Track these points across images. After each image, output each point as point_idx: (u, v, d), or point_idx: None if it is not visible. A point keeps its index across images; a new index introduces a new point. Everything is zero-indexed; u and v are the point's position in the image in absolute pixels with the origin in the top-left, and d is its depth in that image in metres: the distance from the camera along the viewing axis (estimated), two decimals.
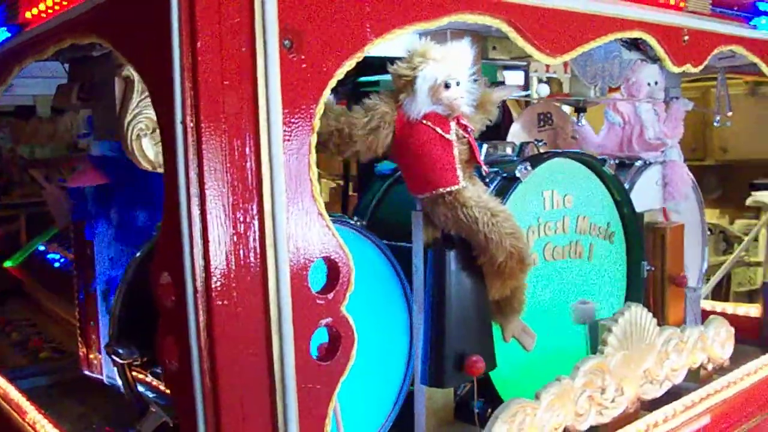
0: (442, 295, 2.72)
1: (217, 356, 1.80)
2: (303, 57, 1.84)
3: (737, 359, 3.85)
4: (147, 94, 2.49)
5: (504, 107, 4.54)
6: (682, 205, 4.42)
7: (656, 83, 4.17)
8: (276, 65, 1.79)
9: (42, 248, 6.28)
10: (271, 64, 1.78)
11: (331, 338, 2.02)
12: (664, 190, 4.36)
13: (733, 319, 4.57)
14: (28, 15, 2.59)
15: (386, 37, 2.00)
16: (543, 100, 3.85)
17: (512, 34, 2.34)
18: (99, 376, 3.80)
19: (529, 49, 2.39)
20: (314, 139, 1.88)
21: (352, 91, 3.55)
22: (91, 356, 3.88)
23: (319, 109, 1.87)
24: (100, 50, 2.51)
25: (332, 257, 1.97)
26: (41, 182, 6.54)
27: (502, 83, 3.88)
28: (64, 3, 2.32)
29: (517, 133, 4.44)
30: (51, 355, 4.77)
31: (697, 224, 4.81)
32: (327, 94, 1.89)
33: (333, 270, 1.99)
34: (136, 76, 2.50)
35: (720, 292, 9.46)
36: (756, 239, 10.10)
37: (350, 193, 5.04)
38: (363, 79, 3.47)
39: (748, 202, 9.50)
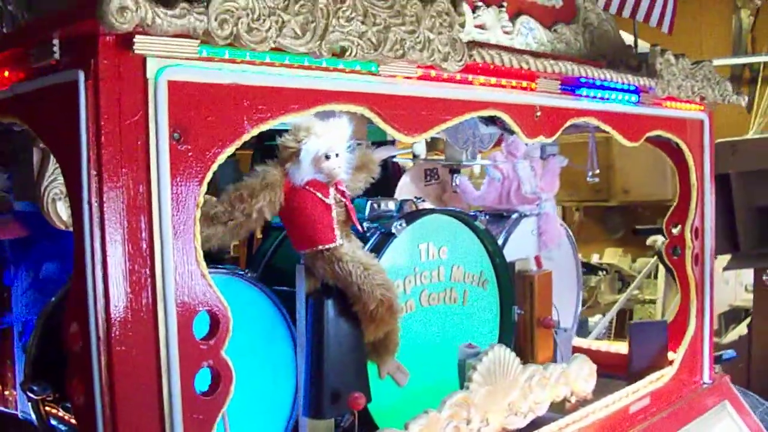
0: (321, 338, 3.10)
1: (116, 392, 2.16)
2: (189, 147, 2.23)
3: (604, 392, 4.20)
4: None
5: (393, 164, 4.96)
6: (556, 252, 4.86)
7: (535, 142, 4.60)
8: (166, 154, 2.17)
9: None
10: (162, 154, 2.17)
11: (212, 377, 2.38)
12: (539, 240, 4.79)
13: (605, 356, 5.05)
14: None
15: (261, 127, 2.40)
16: (418, 161, 4.28)
17: (374, 118, 2.75)
18: (14, 412, 3.99)
19: (389, 130, 2.79)
20: (198, 213, 2.26)
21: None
22: (6, 393, 4.08)
23: (203, 190, 2.26)
24: (19, 126, 2.86)
25: (213, 310, 2.35)
26: None
27: (392, 142, 4.33)
28: None
29: (405, 187, 4.85)
30: None
31: (572, 270, 5.24)
32: (209, 176, 2.28)
33: (214, 320, 2.36)
34: None
35: (622, 328, 9.95)
36: (650, 276, 10.64)
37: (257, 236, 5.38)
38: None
39: (649, 242, 10.02)
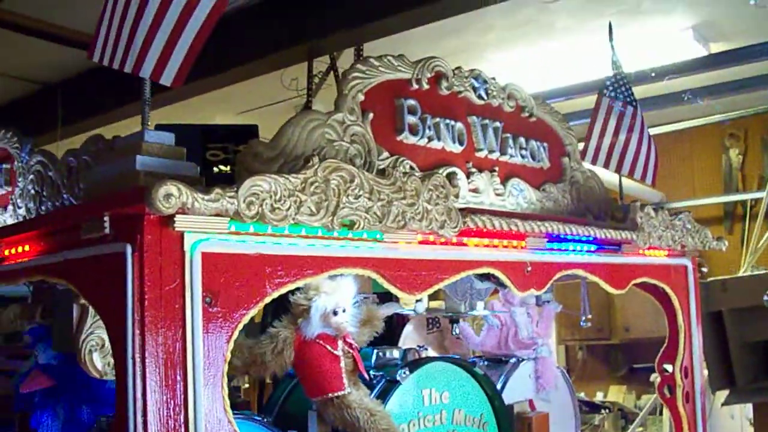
0: None
1: None
2: (219, 309, 2.57)
3: None
4: (98, 317, 3.18)
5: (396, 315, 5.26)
6: (552, 393, 5.11)
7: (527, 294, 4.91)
8: (200, 316, 2.51)
9: None
10: (196, 315, 2.51)
11: None
12: (536, 382, 5.06)
13: None
14: (6, 253, 3.28)
15: (281, 290, 2.75)
16: (419, 315, 4.60)
17: (379, 279, 3.09)
18: None
19: (392, 289, 3.13)
20: (226, 367, 2.59)
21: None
22: None
23: (230, 346, 2.59)
24: (62, 285, 3.21)
25: None
26: None
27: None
28: (40, 251, 3.04)
29: (409, 335, 5.15)
30: None
31: (570, 409, 5.45)
32: (237, 334, 2.61)
33: None
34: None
35: None
36: (654, 413, 10.71)
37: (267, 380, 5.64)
38: None
39: (652, 378, 10.14)
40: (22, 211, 3.81)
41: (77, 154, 3.42)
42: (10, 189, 3.97)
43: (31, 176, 3.75)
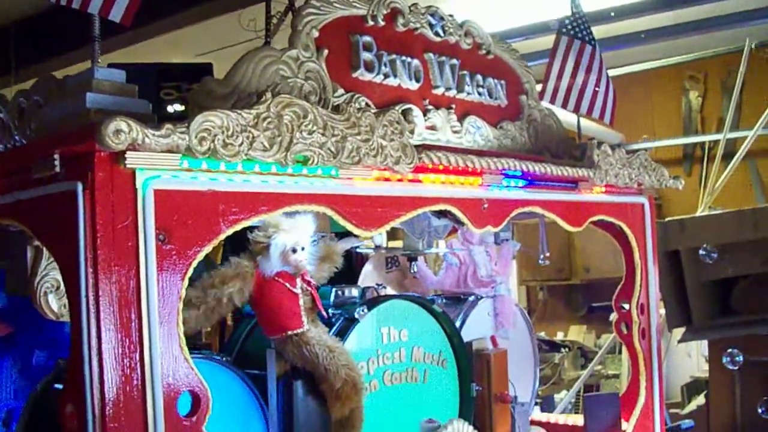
0: (291, 416, 3.38)
1: None
2: (173, 246, 2.56)
3: None
4: (52, 259, 3.16)
5: (356, 252, 5.26)
6: (511, 331, 5.15)
7: (484, 231, 4.91)
8: (153, 253, 2.50)
9: None
10: (150, 253, 2.49)
11: None
12: (494, 320, 5.10)
13: (563, 429, 5.30)
14: None
15: (236, 227, 2.73)
16: (379, 250, 4.61)
17: (334, 216, 3.08)
18: None
19: (347, 226, 3.13)
20: (181, 305, 2.58)
21: None
22: None
23: (185, 284, 2.58)
24: (15, 227, 3.17)
25: (195, 390, 2.64)
26: None
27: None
28: None
29: (368, 274, 5.15)
30: None
31: (529, 347, 5.50)
32: (191, 272, 2.60)
33: (195, 399, 2.65)
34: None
35: None
36: (614, 352, 10.87)
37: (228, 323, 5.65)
38: None
39: (611, 318, 10.26)
40: None
41: (28, 94, 3.35)
42: None
43: None
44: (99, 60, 2.79)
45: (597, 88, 5.04)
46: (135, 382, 2.49)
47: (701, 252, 7.12)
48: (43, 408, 3.61)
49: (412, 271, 4.91)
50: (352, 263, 5.10)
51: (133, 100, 2.74)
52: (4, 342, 4.07)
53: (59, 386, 3.56)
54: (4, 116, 3.51)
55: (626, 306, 5.19)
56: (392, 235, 5.23)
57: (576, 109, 4.96)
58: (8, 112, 3.48)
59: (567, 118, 5.00)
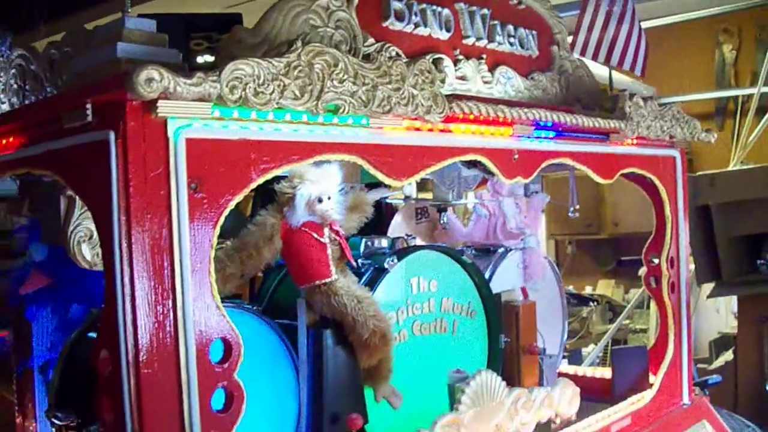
0: (321, 365, 3.39)
1: (143, 410, 2.47)
2: (204, 195, 2.56)
3: (588, 414, 4.45)
4: (86, 209, 3.19)
5: (386, 204, 5.28)
6: (540, 283, 5.15)
7: (514, 182, 4.89)
8: (185, 202, 2.51)
9: None
10: (182, 201, 2.50)
11: (227, 396, 2.70)
12: (523, 273, 5.10)
13: (591, 381, 5.31)
14: None
15: (266, 176, 2.74)
16: (409, 201, 4.60)
17: (365, 165, 3.08)
18: None
19: (379, 175, 3.12)
20: (213, 253, 2.60)
21: None
22: (27, 424, 4.36)
23: (216, 231, 2.59)
24: (48, 177, 3.20)
25: (226, 337, 2.67)
26: None
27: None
28: (25, 143, 3.02)
29: (397, 225, 5.17)
30: None
31: (557, 299, 5.52)
32: (222, 220, 2.62)
33: (227, 347, 2.68)
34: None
35: None
36: (642, 306, 10.86)
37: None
38: None
39: (640, 272, 10.23)
40: (5, 106, 3.77)
41: (59, 46, 3.37)
42: None
43: (13, 71, 3.70)
44: (129, 10, 2.80)
45: (628, 40, 4.98)
46: (168, 328, 2.52)
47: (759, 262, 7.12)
48: (77, 356, 3.68)
49: (441, 221, 4.91)
50: (382, 215, 5.12)
51: (163, 50, 2.74)
52: (43, 293, 4.13)
53: (93, 335, 3.64)
54: (36, 68, 3.53)
55: (656, 260, 5.17)
56: (421, 186, 5.23)
57: (607, 61, 4.91)
58: (39, 63, 3.50)
59: (598, 70, 4.94)
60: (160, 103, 2.43)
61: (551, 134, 4.04)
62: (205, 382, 2.60)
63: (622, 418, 4.68)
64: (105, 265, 2.53)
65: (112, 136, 2.44)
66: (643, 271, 5.28)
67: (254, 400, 2.82)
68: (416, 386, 3.99)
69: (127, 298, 2.45)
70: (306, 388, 3.46)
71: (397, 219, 5.20)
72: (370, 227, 3.89)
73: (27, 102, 3.63)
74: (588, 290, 12.00)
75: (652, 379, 5.08)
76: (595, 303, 10.65)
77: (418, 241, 4.75)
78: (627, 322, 10.79)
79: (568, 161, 4.21)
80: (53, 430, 3.79)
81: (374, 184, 4.40)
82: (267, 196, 3.47)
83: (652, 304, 9.98)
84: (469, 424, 3.73)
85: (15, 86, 3.69)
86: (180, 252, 2.52)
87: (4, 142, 3.14)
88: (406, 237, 4.38)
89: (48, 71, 3.47)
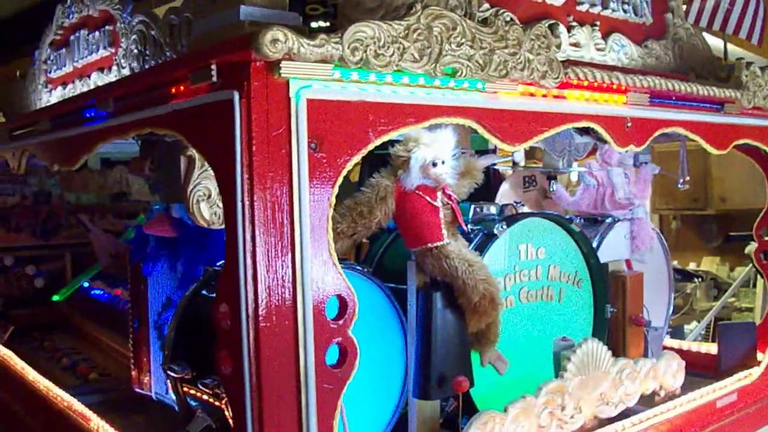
0: (430, 327, 3.43)
1: (261, 363, 2.56)
2: (324, 155, 2.62)
3: (693, 389, 4.41)
4: (205, 168, 3.28)
5: (494, 171, 5.28)
6: (647, 255, 5.08)
7: (627, 151, 4.84)
8: (305, 161, 2.57)
9: (86, 284, 6.91)
10: (302, 160, 2.57)
11: (341, 352, 2.77)
12: (631, 243, 5.04)
13: (696, 356, 5.24)
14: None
15: (384, 137, 2.78)
16: (518, 169, 4.59)
17: (480, 130, 3.09)
18: (148, 393, 4.45)
19: (493, 140, 3.13)
20: (331, 211, 2.65)
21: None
22: (142, 377, 4.53)
23: (335, 190, 2.65)
24: (170, 137, 3.31)
25: (342, 295, 2.74)
26: (89, 226, 7.23)
27: (494, 150, 4.65)
28: (149, 103, 3.12)
29: (505, 193, 5.17)
30: (99, 377, 5.28)
31: (664, 272, 5.44)
32: (341, 180, 2.67)
33: (342, 304, 2.75)
34: (196, 155, 3.28)
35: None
36: (748, 285, 10.59)
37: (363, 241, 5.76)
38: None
39: (747, 250, 9.97)
40: (126, 71, 3.89)
41: (178, 11, 3.46)
42: (113, 50, 4.05)
43: (134, 36, 3.81)
44: None
45: (745, 8, 4.85)
46: (286, 284, 2.59)
47: None
48: (193, 312, 3.80)
49: (551, 189, 4.89)
50: (489, 182, 5.12)
51: (283, 13, 2.78)
52: (160, 248, 4.27)
53: (207, 293, 3.75)
54: (156, 33, 3.63)
55: (767, 235, 5.05)
56: (530, 155, 5.21)
57: (722, 29, 4.79)
58: (159, 29, 3.60)
59: (712, 43, 4.83)
60: (283, 63, 2.49)
61: (665, 102, 3.97)
62: (320, 337, 2.67)
63: (729, 394, 4.62)
64: (226, 221, 2.61)
65: (236, 96, 2.52)
66: (751, 247, 5.17)
67: (364, 359, 2.87)
68: (522, 353, 4.02)
69: (248, 254, 2.54)
70: (414, 350, 3.51)
71: (505, 187, 5.20)
72: (477, 194, 3.90)
73: (147, 67, 3.74)
74: (692, 267, 11.76)
75: (760, 356, 4.98)
76: (700, 279, 10.43)
77: (526, 209, 4.75)
78: (732, 300, 10.53)
79: (681, 131, 4.13)
80: (168, 382, 3.93)
81: (484, 151, 4.42)
82: (375, 164, 3.52)
83: (759, 283, 9.74)
84: (574, 391, 3.75)
85: (135, 51, 3.81)
86: (300, 210, 2.58)
87: (128, 103, 3.26)
88: (514, 204, 4.38)
89: (168, 36, 3.56)
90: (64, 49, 4.64)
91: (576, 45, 3.77)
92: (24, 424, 5.17)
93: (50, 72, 4.86)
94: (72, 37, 4.51)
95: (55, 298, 7.15)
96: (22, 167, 5.14)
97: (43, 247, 7.75)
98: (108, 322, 5.92)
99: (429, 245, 3.41)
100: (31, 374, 5.20)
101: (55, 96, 4.76)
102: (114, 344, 5.62)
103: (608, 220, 4.96)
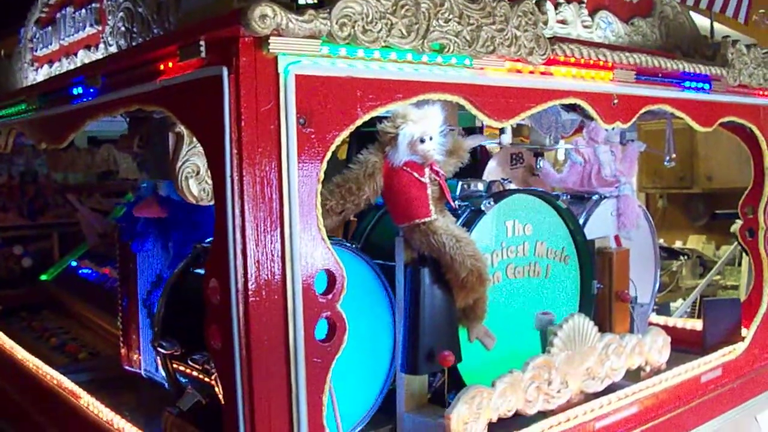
0: (417, 303, 3.46)
1: (251, 337, 2.58)
2: (312, 130, 2.64)
3: (678, 364, 4.46)
4: (194, 145, 3.29)
5: (481, 148, 5.30)
6: (634, 232, 5.09)
7: (613, 128, 4.79)
8: (294, 136, 2.59)
9: (74, 264, 6.92)
10: (291, 135, 2.58)
11: (329, 326, 2.79)
12: (617, 220, 5.06)
13: (681, 332, 5.28)
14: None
15: (372, 113, 2.79)
16: (505, 146, 4.61)
17: (467, 106, 3.11)
18: (138, 371, 4.48)
19: (480, 116, 3.15)
20: (319, 186, 2.67)
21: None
22: (131, 354, 4.56)
23: (323, 165, 2.67)
24: (158, 114, 3.31)
25: (330, 269, 2.76)
26: (76, 205, 7.22)
27: (481, 128, 4.66)
28: (137, 80, 3.12)
29: (492, 170, 5.18)
30: (88, 356, 5.31)
31: (650, 249, 5.46)
32: (329, 155, 2.69)
33: (331, 278, 2.77)
34: (185, 131, 3.29)
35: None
36: (733, 263, 10.65)
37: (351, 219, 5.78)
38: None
39: (733, 228, 10.01)
40: (113, 49, 3.88)
41: None
42: (100, 28, 4.04)
43: (121, 14, 3.79)
44: None
45: None
46: (275, 258, 2.61)
47: None
48: (182, 289, 3.81)
49: (538, 166, 4.91)
50: (477, 159, 5.13)
51: None
52: (149, 226, 4.28)
53: (197, 270, 3.76)
54: (143, 10, 3.62)
55: (752, 212, 5.09)
56: (517, 132, 5.21)
57: (709, 7, 4.80)
58: (146, 6, 3.59)
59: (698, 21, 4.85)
60: (272, 39, 2.50)
61: (651, 79, 3.99)
62: (309, 311, 2.70)
63: (713, 369, 4.68)
64: (216, 196, 2.63)
65: (225, 71, 2.53)
66: (737, 225, 5.20)
67: (352, 335, 2.90)
68: (509, 328, 4.02)
69: (237, 229, 2.56)
70: (402, 325, 3.53)
71: (492, 164, 5.21)
72: (465, 171, 3.91)
73: (134, 45, 3.74)
74: (678, 245, 11.81)
75: (744, 332, 5.03)
76: (686, 257, 10.48)
77: (513, 186, 4.76)
78: (717, 278, 10.58)
79: (667, 108, 4.16)
80: (157, 358, 3.94)
81: (471, 130, 4.43)
82: (362, 142, 3.53)
83: (744, 261, 9.79)
84: (561, 366, 3.78)
85: (123, 29, 3.80)
86: (288, 185, 2.60)
87: (117, 80, 3.26)
88: (502, 181, 4.40)
89: (155, 13, 3.55)
90: (50, 27, 4.61)
91: (563, 22, 3.79)
92: (13, 403, 5.19)
93: (36, 50, 4.84)
94: (58, 15, 4.49)
95: (43, 277, 7.17)
96: (9, 146, 5.13)
97: (30, 227, 7.76)
98: (96, 301, 5.95)
99: (417, 221, 3.43)
100: (20, 353, 5.19)
101: (42, 74, 4.74)
102: (103, 323, 5.63)
103: (595, 197, 4.96)
